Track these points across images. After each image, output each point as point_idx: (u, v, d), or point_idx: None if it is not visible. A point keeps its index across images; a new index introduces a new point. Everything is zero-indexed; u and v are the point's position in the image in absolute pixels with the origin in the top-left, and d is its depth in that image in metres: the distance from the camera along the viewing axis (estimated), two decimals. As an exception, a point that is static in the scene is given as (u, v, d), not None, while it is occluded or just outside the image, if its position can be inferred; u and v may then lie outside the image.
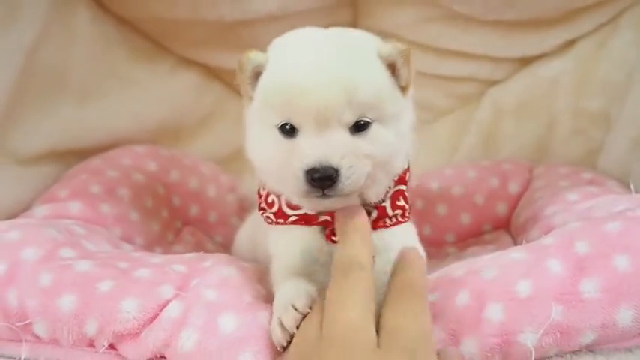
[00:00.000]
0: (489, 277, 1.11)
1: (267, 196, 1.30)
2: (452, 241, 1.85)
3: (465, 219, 1.85)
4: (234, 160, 2.12)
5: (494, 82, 2.12)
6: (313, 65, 1.10)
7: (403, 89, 1.19)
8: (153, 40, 1.99)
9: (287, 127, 1.12)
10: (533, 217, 1.59)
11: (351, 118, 1.10)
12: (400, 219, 1.27)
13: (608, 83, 1.85)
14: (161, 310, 1.14)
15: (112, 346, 1.15)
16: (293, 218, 1.25)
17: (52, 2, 1.67)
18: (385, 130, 1.14)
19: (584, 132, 1.93)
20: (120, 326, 1.12)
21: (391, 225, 1.25)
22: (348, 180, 1.08)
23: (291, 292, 1.13)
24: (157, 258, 1.33)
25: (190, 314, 1.12)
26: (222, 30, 1.88)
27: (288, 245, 1.28)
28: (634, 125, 1.70)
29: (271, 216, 1.29)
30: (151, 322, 1.13)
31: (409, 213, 1.30)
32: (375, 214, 1.23)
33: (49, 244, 1.26)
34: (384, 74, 1.15)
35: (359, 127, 1.12)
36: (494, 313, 1.06)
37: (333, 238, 1.22)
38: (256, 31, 1.87)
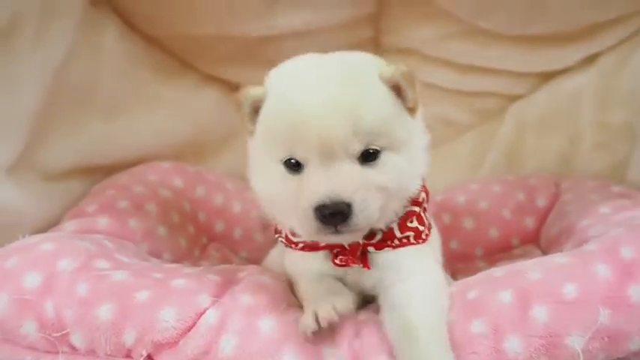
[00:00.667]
0: (534, 279, 1.10)
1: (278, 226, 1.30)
2: (480, 256, 1.83)
3: (493, 233, 1.83)
4: (257, 177, 2.12)
5: (516, 97, 2.12)
6: (314, 96, 1.07)
7: (411, 111, 1.16)
8: (177, 57, 2.00)
9: (292, 161, 1.09)
10: (567, 230, 1.57)
11: (358, 148, 1.07)
12: (413, 240, 1.22)
13: (632, 96, 1.86)
14: (199, 319, 1.13)
15: (149, 357, 1.13)
16: (300, 245, 1.24)
17: (81, 21, 1.68)
18: (396, 157, 1.11)
19: (608, 145, 1.93)
20: (158, 336, 1.10)
21: (397, 246, 1.21)
22: (362, 213, 1.04)
23: (331, 291, 1.15)
24: (190, 269, 1.33)
25: (228, 320, 1.12)
26: (246, 46, 1.90)
27: (302, 266, 1.28)
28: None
29: (284, 240, 1.29)
30: (189, 330, 1.12)
31: (426, 235, 1.25)
32: (379, 236, 1.20)
33: (83, 255, 1.25)
34: (389, 98, 1.12)
35: (367, 157, 1.08)
36: (540, 314, 1.04)
37: (336, 262, 1.21)
38: (280, 47, 1.88)
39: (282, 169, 1.11)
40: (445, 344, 1.05)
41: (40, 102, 1.59)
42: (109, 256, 1.31)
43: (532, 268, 1.14)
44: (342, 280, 1.27)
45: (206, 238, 1.87)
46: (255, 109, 1.17)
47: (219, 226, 1.89)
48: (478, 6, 1.86)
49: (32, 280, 1.17)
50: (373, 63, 1.16)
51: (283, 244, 1.31)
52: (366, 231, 1.14)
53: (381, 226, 1.18)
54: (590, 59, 1.96)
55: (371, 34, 2.03)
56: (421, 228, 1.23)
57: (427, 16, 1.97)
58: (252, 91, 1.16)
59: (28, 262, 1.21)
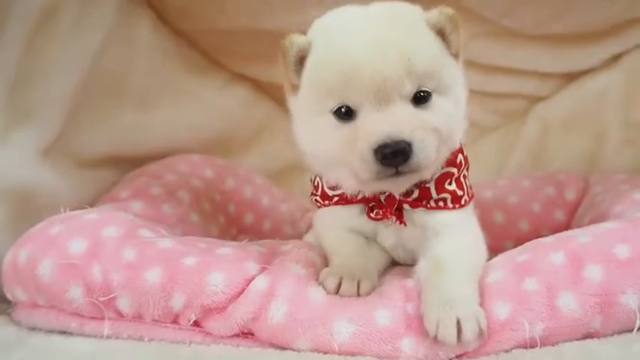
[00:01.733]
0: (584, 242, 1.10)
1: (315, 179, 1.30)
2: (510, 249, 1.82)
3: (523, 226, 1.83)
4: (284, 175, 2.13)
5: (540, 99, 2.14)
6: (364, 39, 1.07)
7: (455, 56, 1.17)
8: (207, 54, 2.03)
9: (343, 110, 1.09)
10: (600, 217, 1.56)
11: (411, 90, 1.08)
12: (450, 204, 1.21)
13: (657, 93, 1.88)
14: (248, 285, 1.12)
15: (195, 324, 1.12)
16: (336, 199, 1.24)
17: (117, 11, 1.71)
18: (444, 101, 1.12)
19: (634, 142, 1.94)
20: (207, 300, 1.09)
21: (433, 208, 1.20)
22: (422, 153, 1.04)
23: (357, 268, 1.14)
24: (232, 242, 1.32)
25: (279, 286, 1.11)
26: (277, 42, 1.91)
27: (334, 222, 1.28)
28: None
29: (319, 198, 1.28)
30: (238, 296, 1.11)
31: (466, 201, 1.24)
32: (416, 194, 1.19)
33: (127, 224, 1.25)
34: (436, 42, 1.13)
35: (420, 100, 1.09)
36: (593, 273, 1.04)
37: (372, 215, 1.21)
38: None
39: (332, 119, 1.10)
40: (473, 283, 1.07)
41: (77, 87, 1.60)
42: (152, 228, 1.30)
43: (582, 233, 1.14)
44: (374, 233, 1.28)
45: (236, 229, 1.86)
46: (301, 60, 1.15)
47: (248, 218, 1.89)
48: (504, 4, 1.89)
49: (78, 246, 1.16)
50: (416, 9, 1.17)
51: (317, 205, 1.30)
52: (423, 176, 1.13)
53: (428, 176, 1.17)
54: (615, 59, 1.99)
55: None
56: (460, 192, 1.22)
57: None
58: (298, 40, 1.14)
59: (73, 230, 1.20)
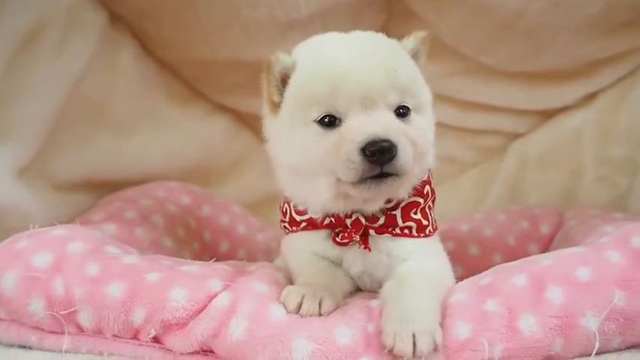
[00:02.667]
0: (546, 265, 1.10)
1: (284, 206, 1.32)
2: (485, 281, 1.82)
3: (498, 259, 1.82)
4: (262, 205, 2.14)
5: (518, 135, 2.18)
6: (353, 51, 1.15)
7: None
8: (189, 84, 2.06)
9: (326, 119, 1.13)
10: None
11: (395, 101, 1.14)
12: (415, 232, 1.24)
13: (631, 131, 1.91)
14: (210, 301, 1.12)
15: (155, 340, 1.11)
16: (303, 224, 1.27)
17: (100, 38, 1.75)
18: (421, 119, 1.19)
19: (609, 179, 1.96)
20: (168, 315, 1.09)
21: (398, 235, 1.23)
22: (406, 156, 1.09)
23: (320, 287, 1.14)
24: (199, 262, 1.32)
25: (240, 303, 1.10)
26: (256, 73, 1.94)
27: (300, 248, 1.30)
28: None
29: (287, 225, 1.31)
30: (200, 312, 1.10)
31: (430, 231, 1.27)
32: (382, 220, 1.23)
33: (94, 241, 1.26)
34: (414, 66, 1.23)
35: (400, 114, 1.15)
36: (555, 295, 1.04)
37: (338, 240, 1.23)
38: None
39: (316, 127, 1.14)
40: (434, 301, 1.08)
41: (56, 111, 1.63)
42: (120, 245, 1.30)
43: (545, 257, 1.15)
44: (339, 260, 1.29)
45: (210, 256, 1.82)
46: (284, 79, 1.20)
47: (224, 246, 1.88)
48: (481, 41, 1.93)
49: (43, 259, 1.17)
50: (394, 40, 1.25)
51: (285, 231, 1.33)
52: (399, 192, 1.17)
53: (402, 194, 1.20)
54: (590, 97, 2.03)
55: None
56: (425, 222, 1.25)
57: (432, 52, 2.04)
58: (282, 57, 1.19)
59: (39, 244, 1.21)
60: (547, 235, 1.83)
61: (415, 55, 1.24)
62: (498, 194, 2.17)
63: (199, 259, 1.74)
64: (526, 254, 1.78)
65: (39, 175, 1.61)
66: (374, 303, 1.16)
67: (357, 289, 1.34)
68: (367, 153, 1.06)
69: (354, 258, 1.27)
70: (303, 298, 1.10)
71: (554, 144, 2.09)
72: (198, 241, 1.81)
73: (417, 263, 1.20)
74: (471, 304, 1.08)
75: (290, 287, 1.14)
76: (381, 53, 1.16)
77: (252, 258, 1.89)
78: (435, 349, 0.98)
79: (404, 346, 0.97)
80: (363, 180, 1.09)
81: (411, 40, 1.24)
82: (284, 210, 1.32)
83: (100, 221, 1.59)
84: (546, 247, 1.81)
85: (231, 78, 2.01)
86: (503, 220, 1.90)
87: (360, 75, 1.11)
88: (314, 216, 1.24)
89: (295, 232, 1.30)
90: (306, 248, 1.29)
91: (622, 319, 1.02)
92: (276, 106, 1.21)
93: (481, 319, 1.04)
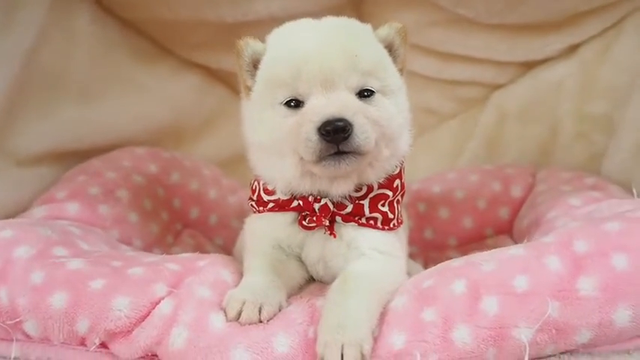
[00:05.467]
0: (487, 270, 1.10)
1: (254, 184, 1.34)
2: (454, 245, 1.83)
3: (467, 223, 1.83)
4: (236, 162, 2.09)
5: (497, 87, 2.11)
6: (315, 38, 1.19)
7: (400, 71, 1.27)
8: (155, 42, 1.99)
9: (292, 103, 1.18)
10: (535, 222, 1.57)
11: (356, 83, 1.17)
12: (379, 225, 1.27)
13: (612, 87, 1.83)
14: (153, 308, 1.13)
15: (103, 345, 1.14)
16: (270, 205, 1.28)
17: (51, 5, 1.67)
18: (388, 101, 1.21)
19: (587, 136, 1.91)
20: (111, 324, 1.11)
21: (363, 224, 1.26)
22: (363, 135, 1.12)
23: (263, 291, 1.16)
24: (151, 257, 1.33)
25: (181, 312, 1.11)
26: (223, 31, 1.88)
27: (261, 232, 1.32)
28: (637, 130, 1.68)
29: (254, 204, 1.33)
30: (143, 320, 1.12)
31: (395, 225, 1.29)
32: (349, 209, 1.25)
33: (41, 243, 1.26)
34: (382, 51, 1.24)
35: (364, 96, 1.18)
36: (489, 305, 1.04)
37: (304, 223, 1.26)
38: (258, 32, 1.84)
39: (282, 109, 1.19)
40: (372, 309, 1.09)
41: (9, 88, 1.58)
42: (70, 244, 1.31)
43: (487, 260, 1.13)
44: (297, 255, 1.32)
45: (180, 224, 1.87)
46: (254, 63, 1.24)
47: (194, 213, 1.89)
48: (457, -7, 1.83)
49: (-13, 267, 1.17)
50: (367, 25, 1.27)
51: (252, 210, 1.34)
52: (363, 162, 1.18)
53: (372, 179, 1.24)
54: (571, 49, 1.94)
55: (352, 20, 2.01)
56: (391, 215, 1.27)
57: (409, 3, 1.95)
58: (252, 43, 1.24)
59: (-16, 249, 1.21)
60: (518, 199, 1.83)
61: (390, 46, 1.26)
62: (476, 146, 2.13)
63: (169, 229, 1.79)
64: (496, 219, 1.83)
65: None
66: (319, 302, 1.16)
67: (311, 279, 1.36)
68: (323, 132, 1.10)
69: (315, 244, 1.29)
70: (243, 305, 1.11)
71: (534, 97, 2.02)
72: (167, 210, 1.82)
73: (366, 266, 1.21)
74: (408, 311, 1.09)
75: (232, 293, 1.15)
76: (344, 37, 1.20)
77: (223, 222, 1.91)
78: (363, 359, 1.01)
79: (331, 358, 1.00)
80: (322, 158, 1.13)
81: (385, 29, 1.26)
82: (253, 187, 1.35)
83: (63, 199, 1.59)
84: (516, 211, 1.81)
85: (198, 36, 1.95)
86: (475, 181, 1.88)
87: (320, 58, 1.15)
88: (282, 197, 1.27)
89: (262, 212, 1.31)
90: (268, 234, 1.31)
91: (554, 330, 1.02)
92: (249, 90, 1.27)
93: (416, 330, 1.04)
